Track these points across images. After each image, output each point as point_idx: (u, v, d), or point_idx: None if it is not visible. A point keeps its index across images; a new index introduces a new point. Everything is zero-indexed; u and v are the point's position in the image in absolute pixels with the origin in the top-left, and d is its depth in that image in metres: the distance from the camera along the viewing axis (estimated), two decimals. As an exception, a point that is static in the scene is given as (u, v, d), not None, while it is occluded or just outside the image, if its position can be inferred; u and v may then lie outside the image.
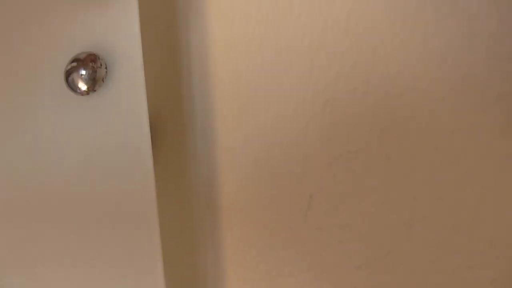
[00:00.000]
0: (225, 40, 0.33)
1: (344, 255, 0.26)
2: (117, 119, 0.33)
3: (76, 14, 0.32)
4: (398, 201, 0.23)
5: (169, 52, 0.37)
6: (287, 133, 0.28)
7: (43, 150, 0.32)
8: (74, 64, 0.32)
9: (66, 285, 0.32)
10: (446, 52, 0.21)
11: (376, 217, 0.24)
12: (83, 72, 0.31)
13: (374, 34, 0.24)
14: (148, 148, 0.33)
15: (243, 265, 0.31)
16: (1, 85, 0.33)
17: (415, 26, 0.22)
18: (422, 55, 0.22)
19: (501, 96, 0.19)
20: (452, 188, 0.21)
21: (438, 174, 0.21)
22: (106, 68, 0.32)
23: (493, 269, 0.21)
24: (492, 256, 0.21)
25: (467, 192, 0.21)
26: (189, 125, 0.38)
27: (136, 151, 0.33)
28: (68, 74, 0.32)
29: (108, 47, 0.32)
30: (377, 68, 0.24)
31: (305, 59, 0.27)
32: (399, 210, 0.23)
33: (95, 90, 0.32)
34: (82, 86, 0.32)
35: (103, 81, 0.32)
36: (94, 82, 0.32)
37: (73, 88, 0.32)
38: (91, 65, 0.31)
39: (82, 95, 0.32)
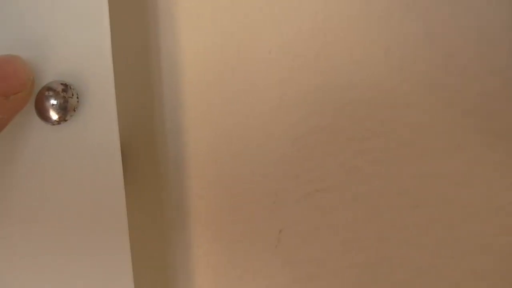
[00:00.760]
0: (197, 68, 0.34)
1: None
2: (89, 148, 0.33)
3: (45, 43, 0.32)
4: (364, 240, 0.23)
5: (142, 79, 0.37)
6: (258, 166, 0.28)
7: (15, 181, 0.32)
8: (45, 93, 0.31)
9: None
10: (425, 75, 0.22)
11: (343, 255, 0.24)
12: (54, 101, 0.31)
13: (343, 72, 0.25)
14: (120, 177, 0.33)
15: (209, 263, 0.32)
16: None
17: (385, 68, 0.23)
18: (392, 93, 0.23)
19: (476, 108, 0.20)
20: (416, 230, 0.22)
21: (403, 216, 0.22)
22: (77, 97, 0.32)
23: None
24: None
25: (430, 236, 0.21)
26: (161, 151, 0.38)
27: (108, 180, 0.33)
28: (39, 103, 0.31)
29: (79, 76, 0.32)
30: (345, 109, 0.24)
31: (275, 93, 0.27)
32: (365, 249, 0.23)
33: (66, 120, 0.32)
34: (53, 116, 0.31)
35: (74, 110, 0.32)
36: (65, 112, 0.32)
37: (44, 117, 0.31)
38: (62, 95, 0.31)
39: (53, 124, 0.32)
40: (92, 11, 0.32)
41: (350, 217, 0.24)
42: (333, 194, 0.24)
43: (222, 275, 0.31)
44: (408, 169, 0.21)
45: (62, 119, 0.32)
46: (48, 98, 0.31)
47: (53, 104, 0.31)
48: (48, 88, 0.31)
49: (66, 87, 0.31)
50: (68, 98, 0.32)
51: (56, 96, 0.31)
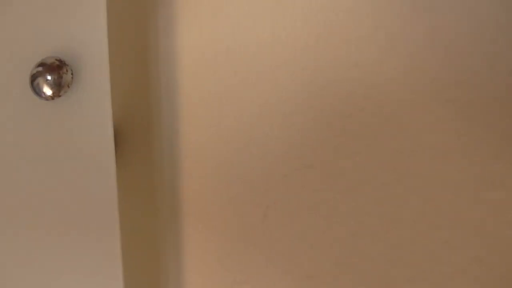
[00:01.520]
0: (193, 47, 0.34)
1: (297, 264, 0.27)
2: (82, 124, 0.33)
3: (42, 18, 0.32)
4: (346, 214, 0.24)
5: (137, 58, 0.38)
6: (247, 144, 0.29)
7: (6, 154, 0.33)
8: (40, 69, 0.32)
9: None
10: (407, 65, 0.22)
11: (326, 229, 0.25)
12: (49, 77, 0.32)
13: (340, 53, 0.25)
14: (112, 152, 0.33)
15: (202, 271, 0.32)
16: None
17: (369, 46, 0.23)
18: (374, 71, 0.23)
19: (452, 98, 0.20)
20: (397, 204, 0.22)
21: (384, 190, 0.22)
22: (72, 73, 0.33)
23: (433, 283, 0.22)
24: (434, 271, 0.22)
25: (409, 209, 0.22)
26: (154, 131, 0.38)
27: (100, 156, 0.33)
28: (34, 78, 0.32)
29: (74, 53, 0.33)
30: (330, 88, 0.25)
31: (268, 74, 0.28)
32: (347, 224, 0.24)
33: (60, 95, 0.32)
34: (48, 91, 0.32)
35: (68, 86, 0.32)
36: (59, 87, 0.32)
37: (38, 93, 0.32)
38: (57, 70, 0.32)
39: (47, 100, 0.32)
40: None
41: (335, 192, 0.25)
42: (320, 169, 0.25)
43: (210, 252, 0.31)
44: (390, 144, 0.22)
45: (56, 95, 0.32)
46: (43, 73, 0.32)
47: (47, 80, 0.32)
48: (43, 63, 0.32)
49: (61, 63, 0.32)
50: (63, 74, 0.32)
51: (51, 71, 0.32)
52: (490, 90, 0.19)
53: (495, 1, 0.19)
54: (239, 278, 0.29)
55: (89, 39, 0.33)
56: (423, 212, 0.21)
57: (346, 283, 0.24)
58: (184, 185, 0.34)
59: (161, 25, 0.37)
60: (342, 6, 0.24)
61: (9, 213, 0.32)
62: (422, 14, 0.21)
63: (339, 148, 0.24)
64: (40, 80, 0.32)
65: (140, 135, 0.41)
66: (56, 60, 0.32)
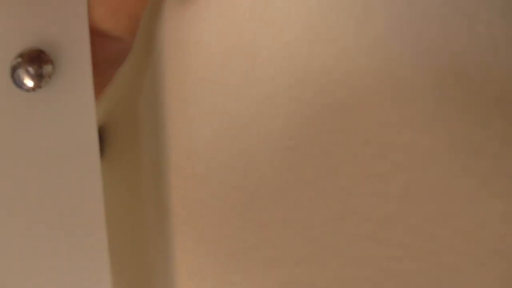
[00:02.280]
0: (182, 42, 0.34)
1: (285, 250, 0.26)
2: (64, 116, 0.33)
3: (21, 7, 0.32)
4: (330, 194, 0.23)
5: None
6: (239, 143, 0.28)
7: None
8: (20, 59, 0.31)
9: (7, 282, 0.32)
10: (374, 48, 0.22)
11: (312, 212, 0.24)
12: (29, 68, 0.31)
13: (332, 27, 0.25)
14: (96, 146, 0.33)
15: (191, 264, 0.32)
16: None
17: (349, 19, 0.23)
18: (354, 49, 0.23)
19: (424, 91, 0.20)
20: (382, 179, 0.22)
21: (368, 166, 0.22)
22: (52, 64, 0.32)
23: (420, 260, 0.22)
24: (421, 248, 0.22)
25: (394, 184, 0.22)
26: (141, 125, 0.38)
27: (83, 149, 0.33)
28: (14, 70, 0.31)
29: (55, 43, 0.32)
30: (313, 64, 0.24)
31: (247, 56, 0.27)
32: (332, 204, 0.23)
33: (41, 87, 0.32)
34: (28, 83, 0.31)
35: (49, 77, 0.32)
36: (40, 79, 0.32)
37: (19, 84, 0.31)
38: (37, 61, 0.31)
39: (28, 91, 0.32)
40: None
41: (318, 173, 0.24)
42: (304, 150, 0.24)
43: (199, 244, 0.31)
44: (373, 118, 0.21)
45: (37, 86, 0.32)
46: (23, 64, 0.31)
47: (28, 71, 0.31)
48: (23, 54, 0.31)
49: (41, 53, 0.31)
50: (43, 65, 0.32)
51: (31, 62, 0.31)
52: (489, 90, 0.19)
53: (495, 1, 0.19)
54: (229, 268, 0.29)
55: (70, 27, 0.32)
56: (408, 186, 0.21)
57: (334, 267, 0.24)
58: (171, 178, 0.34)
59: (148, 17, 0.37)
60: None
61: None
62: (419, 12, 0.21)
63: (320, 125, 0.24)
64: (20, 71, 0.31)
65: (126, 130, 0.40)
66: (37, 50, 0.31)
